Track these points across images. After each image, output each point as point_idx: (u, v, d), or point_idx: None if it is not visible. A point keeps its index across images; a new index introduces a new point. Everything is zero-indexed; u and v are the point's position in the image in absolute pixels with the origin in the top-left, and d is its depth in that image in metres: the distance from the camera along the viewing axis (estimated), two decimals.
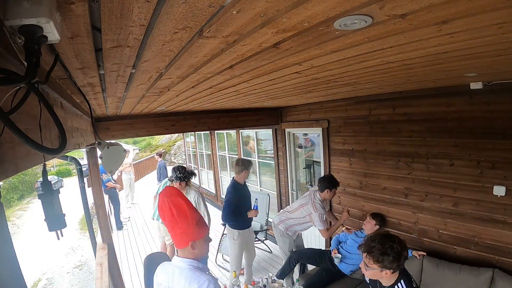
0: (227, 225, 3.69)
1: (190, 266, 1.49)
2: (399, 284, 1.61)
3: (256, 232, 4.78)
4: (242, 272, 4.39)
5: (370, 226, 3.19)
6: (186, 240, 1.48)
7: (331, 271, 3.22)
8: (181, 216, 1.47)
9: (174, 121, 4.27)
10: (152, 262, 3.12)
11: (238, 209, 3.43)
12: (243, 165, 3.47)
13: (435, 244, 2.90)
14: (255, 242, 4.78)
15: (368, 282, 1.87)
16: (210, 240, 1.58)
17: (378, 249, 1.57)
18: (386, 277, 1.60)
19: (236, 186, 3.49)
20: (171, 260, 1.62)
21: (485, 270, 2.37)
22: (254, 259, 4.00)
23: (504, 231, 2.39)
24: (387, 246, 1.56)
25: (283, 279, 3.51)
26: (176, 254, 1.58)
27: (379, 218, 3.22)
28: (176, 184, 3.13)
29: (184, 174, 3.11)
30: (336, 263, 3.19)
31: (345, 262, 3.19)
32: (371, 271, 1.63)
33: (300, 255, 3.53)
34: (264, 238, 4.95)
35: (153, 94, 2.06)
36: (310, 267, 3.79)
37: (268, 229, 5.06)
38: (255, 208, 3.61)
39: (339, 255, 3.19)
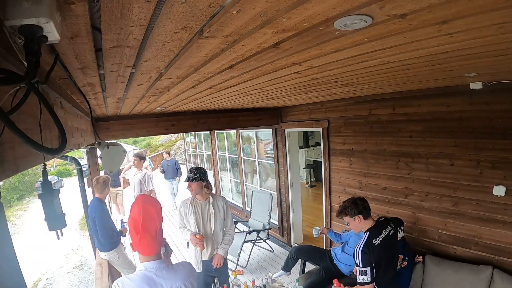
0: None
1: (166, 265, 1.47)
2: (365, 234, 2.14)
3: (258, 231, 4.78)
4: (241, 272, 4.40)
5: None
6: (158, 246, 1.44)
7: (331, 271, 3.22)
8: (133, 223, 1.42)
9: (174, 121, 4.27)
10: None
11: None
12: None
13: (435, 244, 2.90)
14: (256, 241, 4.79)
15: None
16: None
17: (345, 207, 2.24)
18: (362, 223, 2.19)
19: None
20: (169, 263, 1.54)
21: (484, 268, 2.39)
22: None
23: (504, 231, 2.40)
24: (345, 203, 2.27)
25: (287, 272, 3.56)
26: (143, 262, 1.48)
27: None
28: (189, 186, 2.82)
29: (195, 175, 2.78)
30: (341, 265, 3.18)
31: (345, 263, 3.18)
32: (351, 225, 2.25)
33: (298, 251, 3.54)
34: (266, 238, 4.95)
35: (153, 94, 2.06)
36: (311, 267, 3.79)
37: (270, 229, 5.06)
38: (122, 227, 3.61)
39: (318, 228, 3.27)
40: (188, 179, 2.77)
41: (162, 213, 1.52)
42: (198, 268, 2.83)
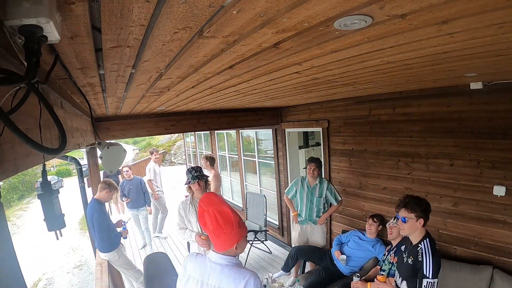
0: None
1: (231, 264, 1.49)
2: (424, 242, 1.90)
3: (255, 232, 4.79)
4: None
5: (374, 229, 3.18)
6: (230, 243, 1.48)
7: (331, 271, 3.22)
8: (227, 222, 1.46)
9: (174, 121, 4.27)
10: (152, 262, 3.12)
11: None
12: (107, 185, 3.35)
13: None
14: (254, 242, 4.79)
15: (395, 250, 2.34)
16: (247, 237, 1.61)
17: (413, 201, 1.96)
18: (420, 226, 1.93)
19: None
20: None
21: (484, 268, 2.39)
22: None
23: (504, 231, 2.39)
24: (419, 199, 1.98)
25: (287, 272, 3.59)
26: (212, 249, 1.56)
27: (380, 217, 3.23)
28: (195, 186, 2.79)
29: (200, 173, 2.81)
30: (342, 265, 3.18)
31: (345, 264, 3.18)
32: (408, 224, 1.94)
33: (298, 251, 3.55)
34: (264, 239, 4.95)
35: (153, 94, 2.06)
36: (310, 267, 3.79)
37: (268, 230, 5.07)
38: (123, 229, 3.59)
39: (344, 257, 3.17)
40: (196, 178, 2.78)
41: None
42: None
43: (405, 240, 2.15)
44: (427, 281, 1.78)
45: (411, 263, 1.93)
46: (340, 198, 3.62)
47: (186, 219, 2.84)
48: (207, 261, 1.54)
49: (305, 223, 3.64)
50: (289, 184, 3.86)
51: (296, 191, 3.68)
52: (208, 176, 2.97)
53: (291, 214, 3.77)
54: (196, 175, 2.78)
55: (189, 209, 2.83)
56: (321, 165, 3.73)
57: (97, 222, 3.23)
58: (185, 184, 2.86)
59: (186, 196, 3.01)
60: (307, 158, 3.82)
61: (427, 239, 1.91)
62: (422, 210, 1.93)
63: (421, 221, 1.92)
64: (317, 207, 3.60)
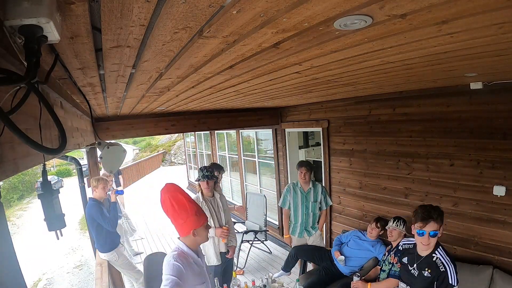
0: None
1: (176, 248, 1.68)
2: (438, 251, 1.81)
3: (255, 232, 4.79)
4: (241, 272, 4.40)
5: (376, 233, 3.15)
6: (187, 228, 1.65)
7: (331, 271, 3.22)
8: (181, 209, 1.64)
9: (174, 121, 4.27)
10: (152, 263, 3.12)
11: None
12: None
13: None
14: (254, 242, 4.79)
15: (395, 251, 2.29)
16: (209, 227, 1.78)
17: (436, 212, 1.81)
18: (440, 233, 1.82)
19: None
20: None
21: (484, 268, 2.39)
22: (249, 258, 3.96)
23: (504, 231, 2.39)
24: (438, 208, 1.85)
25: (287, 272, 3.60)
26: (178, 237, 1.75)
27: (383, 222, 3.20)
28: (204, 184, 2.90)
29: (211, 173, 2.92)
30: (341, 266, 3.18)
31: (345, 264, 3.18)
32: (435, 238, 1.82)
33: (298, 251, 3.54)
34: (264, 239, 4.96)
35: (153, 94, 2.06)
36: (310, 267, 3.79)
37: (268, 230, 5.07)
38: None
39: (343, 257, 3.16)
40: (206, 177, 2.91)
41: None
42: (218, 260, 2.94)
43: (407, 251, 2.07)
44: None
45: (430, 275, 1.83)
46: (331, 203, 3.61)
47: None
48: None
49: (302, 236, 3.54)
50: (282, 195, 3.66)
51: (290, 200, 3.57)
52: (217, 178, 3.09)
53: (284, 236, 3.67)
54: (207, 174, 2.91)
55: (203, 207, 2.89)
56: (312, 168, 3.60)
57: (94, 222, 3.24)
58: (196, 181, 3.01)
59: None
60: (298, 163, 3.66)
61: (440, 247, 1.83)
62: (442, 217, 1.83)
63: (442, 228, 1.83)
64: (313, 212, 3.53)
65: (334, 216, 4.14)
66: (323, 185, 3.82)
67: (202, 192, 2.97)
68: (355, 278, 2.60)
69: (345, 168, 3.89)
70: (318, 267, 3.41)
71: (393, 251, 2.60)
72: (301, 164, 3.55)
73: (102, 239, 3.27)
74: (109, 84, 1.56)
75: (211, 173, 2.93)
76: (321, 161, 4.35)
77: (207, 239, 1.78)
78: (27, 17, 0.56)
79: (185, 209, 1.64)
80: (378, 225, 3.16)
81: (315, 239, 3.60)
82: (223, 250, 2.99)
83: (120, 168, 5.36)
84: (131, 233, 6.06)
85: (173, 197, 1.65)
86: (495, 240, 2.46)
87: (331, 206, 4.15)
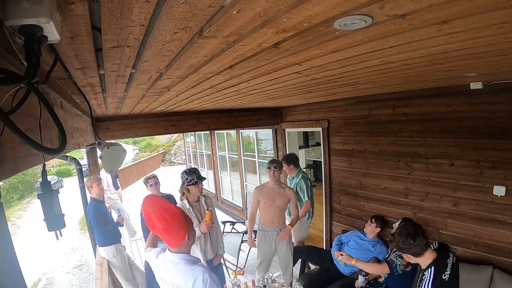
0: None
1: (184, 260, 1.59)
2: (429, 270, 1.79)
3: (255, 232, 4.78)
4: (241, 272, 4.40)
5: (371, 229, 3.18)
6: (183, 235, 1.59)
7: (331, 271, 3.22)
8: (174, 218, 1.58)
9: (174, 121, 4.27)
10: None
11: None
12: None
13: None
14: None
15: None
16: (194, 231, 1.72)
17: (407, 248, 1.82)
18: (425, 259, 1.82)
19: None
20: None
21: (484, 268, 2.39)
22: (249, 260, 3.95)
23: (504, 231, 2.39)
24: (410, 242, 1.81)
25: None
26: (168, 249, 1.67)
27: (380, 220, 3.21)
28: (198, 187, 2.66)
29: (199, 174, 2.69)
30: (341, 266, 3.18)
31: (345, 264, 3.18)
32: (412, 260, 1.89)
33: (298, 251, 3.54)
34: None
35: (153, 94, 2.06)
36: (311, 267, 3.79)
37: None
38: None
39: (343, 257, 3.16)
40: (202, 178, 2.70)
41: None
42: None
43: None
44: None
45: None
46: (307, 199, 3.54)
47: None
48: (166, 260, 1.65)
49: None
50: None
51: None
52: (205, 178, 2.82)
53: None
54: (201, 176, 2.68)
55: (190, 214, 2.64)
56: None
57: (96, 220, 3.29)
58: (189, 185, 2.65)
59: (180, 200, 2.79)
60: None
61: (432, 267, 1.79)
62: (419, 250, 1.82)
63: (424, 255, 1.83)
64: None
65: (334, 216, 4.14)
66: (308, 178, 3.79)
67: (187, 199, 2.70)
68: (360, 278, 2.60)
69: (345, 168, 3.88)
70: (318, 267, 3.42)
71: (396, 252, 2.60)
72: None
73: (102, 234, 3.31)
74: (109, 84, 1.56)
75: (200, 173, 2.70)
76: (321, 161, 4.35)
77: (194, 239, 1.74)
78: (27, 17, 0.56)
79: (176, 217, 1.59)
80: (373, 220, 3.19)
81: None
82: (210, 257, 2.81)
83: (119, 168, 5.36)
84: (132, 235, 6.13)
85: (162, 208, 1.59)
86: (495, 240, 2.46)
87: (331, 206, 4.15)
